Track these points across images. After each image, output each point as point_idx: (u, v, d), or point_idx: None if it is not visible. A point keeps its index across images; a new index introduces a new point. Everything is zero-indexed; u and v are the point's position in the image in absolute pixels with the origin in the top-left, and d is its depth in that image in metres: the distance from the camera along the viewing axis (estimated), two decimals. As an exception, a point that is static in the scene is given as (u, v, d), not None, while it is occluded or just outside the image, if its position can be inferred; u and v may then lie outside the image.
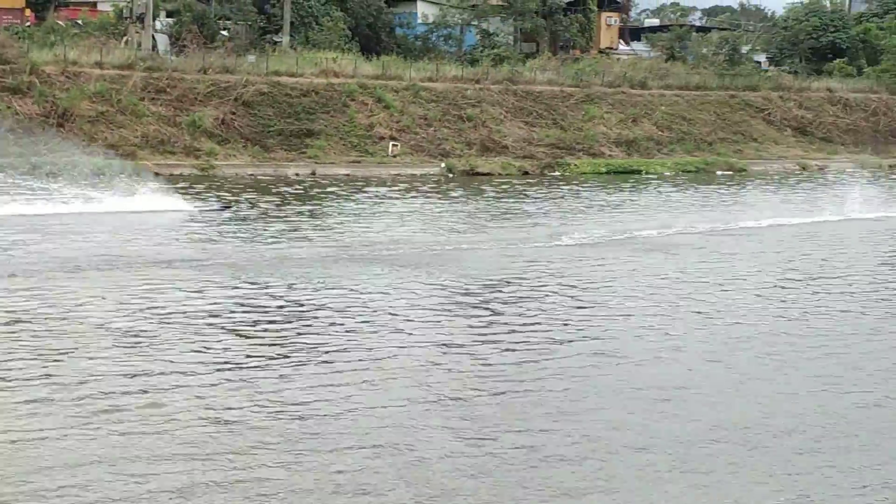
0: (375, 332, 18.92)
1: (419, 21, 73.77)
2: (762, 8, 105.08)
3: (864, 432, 14.61)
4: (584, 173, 53.78)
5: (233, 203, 36.96)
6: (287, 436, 13.32)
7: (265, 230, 30.92)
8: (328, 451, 12.88)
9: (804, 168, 61.35)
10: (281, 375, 15.90)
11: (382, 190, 43.26)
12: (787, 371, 17.54)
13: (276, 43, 62.27)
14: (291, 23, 63.69)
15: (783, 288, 24.81)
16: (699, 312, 21.62)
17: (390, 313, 20.37)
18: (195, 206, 34.53)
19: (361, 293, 22.02)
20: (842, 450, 13.91)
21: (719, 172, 57.62)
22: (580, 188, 47.42)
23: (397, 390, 15.44)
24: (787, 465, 13.26)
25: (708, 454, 13.48)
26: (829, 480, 12.88)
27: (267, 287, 22.24)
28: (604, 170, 54.95)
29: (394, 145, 51.94)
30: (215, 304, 20.59)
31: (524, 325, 20.05)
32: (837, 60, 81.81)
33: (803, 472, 13.10)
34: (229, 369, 16.10)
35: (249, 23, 63.17)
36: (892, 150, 68.41)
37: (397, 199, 40.53)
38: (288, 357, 17.01)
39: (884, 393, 16.53)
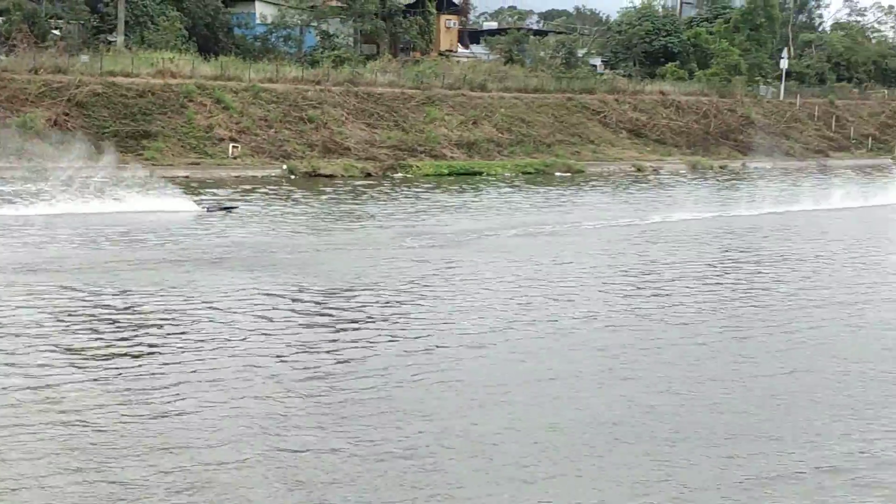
0: (202, 338, 18.65)
1: (258, 21, 72.96)
2: (597, 12, 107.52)
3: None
4: (427, 175, 53.97)
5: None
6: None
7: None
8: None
9: (639, 169, 62.80)
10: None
11: (223, 192, 42.60)
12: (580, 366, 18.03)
13: (110, 43, 60.73)
14: (126, 22, 62.24)
15: (604, 291, 25.34)
16: (519, 310, 21.96)
17: (220, 318, 20.11)
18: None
19: (192, 298, 21.68)
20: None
21: (558, 174, 58.51)
22: (421, 190, 47.55)
23: (214, 394, 15.43)
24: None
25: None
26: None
27: (100, 294, 21.68)
28: (446, 171, 55.24)
29: (234, 147, 51.20)
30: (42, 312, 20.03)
31: (356, 327, 20.08)
32: (670, 64, 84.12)
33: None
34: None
35: (82, 22, 61.49)
36: (721, 152, 70.68)
37: (239, 200, 39.95)
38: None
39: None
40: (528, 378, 17.06)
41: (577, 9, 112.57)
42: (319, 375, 16.61)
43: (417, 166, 55.03)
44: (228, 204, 37.83)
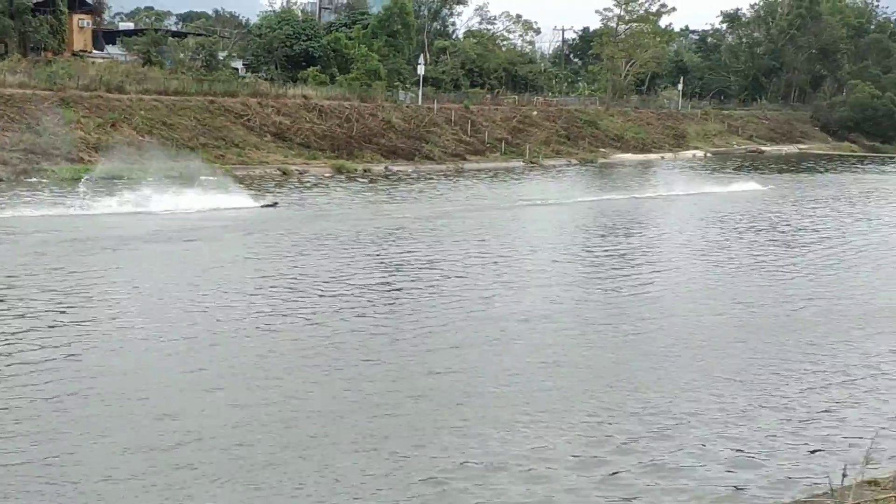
0: None
1: None
2: (237, 15, 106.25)
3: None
4: (64, 179, 51.34)
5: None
6: None
7: None
8: None
9: (285, 173, 62.56)
10: None
11: None
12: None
13: None
14: None
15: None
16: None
17: None
18: None
19: None
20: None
21: (202, 178, 57.30)
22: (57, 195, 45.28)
23: None
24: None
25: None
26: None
27: None
28: (83, 176, 52.72)
29: None
30: None
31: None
32: (311, 68, 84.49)
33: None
34: None
35: None
36: (365, 155, 71.61)
37: None
38: None
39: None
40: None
41: (217, 11, 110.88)
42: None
43: (54, 171, 52.23)
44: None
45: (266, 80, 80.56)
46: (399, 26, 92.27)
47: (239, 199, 45.32)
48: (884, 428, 15.66)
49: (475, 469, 13.93)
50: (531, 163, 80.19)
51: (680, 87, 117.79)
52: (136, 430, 14.66)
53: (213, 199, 44.01)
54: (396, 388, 17.35)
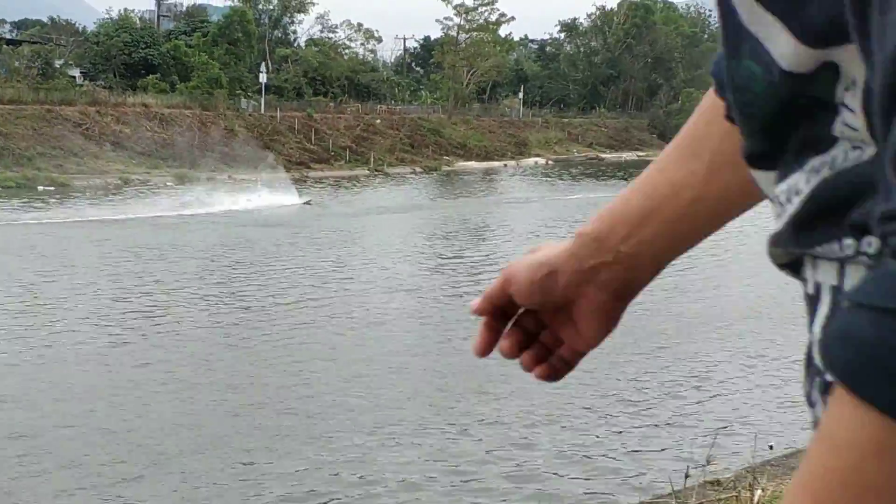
0: None
1: None
2: (73, 23, 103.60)
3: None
4: None
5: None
6: None
7: None
8: None
9: (126, 182, 61.43)
10: None
11: None
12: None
13: None
14: None
15: None
16: None
17: None
18: None
19: None
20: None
21: (41, 188, 55.90)
22: None
23: None
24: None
25: None
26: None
27: None
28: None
29: None
30: None
31: None
32: (150, 76, 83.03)
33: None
34: None
35: None
36: (208, 164, 70.68)
37: None
38: None
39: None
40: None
41: (52, 19, 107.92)
42: None
43: None
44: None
45: (105, 88, 78.82)
46: (240, 34, 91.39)
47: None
48: (724, 428, 16.27)
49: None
50: (376, 171, 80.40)
51: (521, 95, 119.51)
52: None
53: None
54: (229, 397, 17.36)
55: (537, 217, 50.92)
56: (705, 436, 15.43)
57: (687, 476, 6.41)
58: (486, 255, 36.52)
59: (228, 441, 14.99)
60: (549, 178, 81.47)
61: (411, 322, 24.21)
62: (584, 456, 15.26)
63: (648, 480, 14.00)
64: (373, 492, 13.46)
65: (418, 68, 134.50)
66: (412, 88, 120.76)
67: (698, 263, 34.93)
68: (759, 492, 6.15)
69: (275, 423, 15.84)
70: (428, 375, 19.27)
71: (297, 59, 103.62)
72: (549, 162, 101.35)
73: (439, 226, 46.29)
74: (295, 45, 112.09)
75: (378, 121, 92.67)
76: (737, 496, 6.18)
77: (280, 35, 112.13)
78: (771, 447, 12.30)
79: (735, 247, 36.82)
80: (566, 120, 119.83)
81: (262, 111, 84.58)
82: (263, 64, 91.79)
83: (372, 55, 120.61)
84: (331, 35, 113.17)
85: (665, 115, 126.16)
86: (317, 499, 13.16)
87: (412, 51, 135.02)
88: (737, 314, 26.59)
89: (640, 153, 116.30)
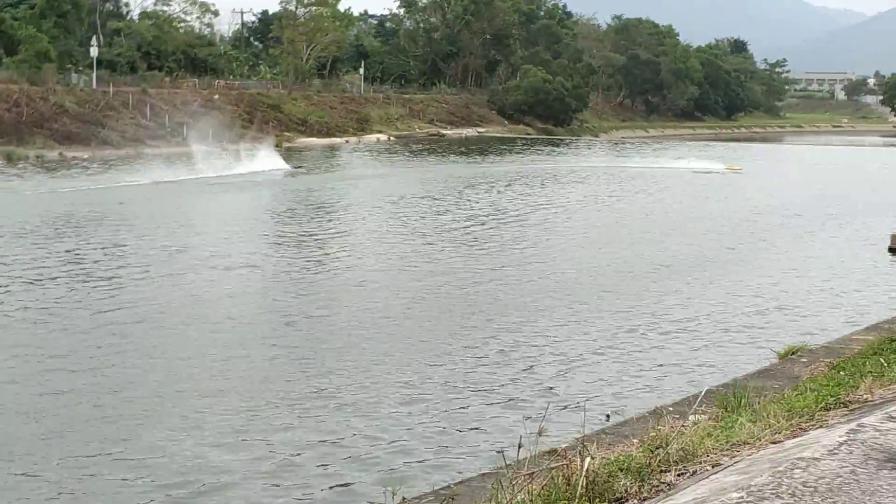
0: None
1: None
2: None
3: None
4: None
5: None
6: None
7: None
8: None
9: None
10: None
11: None
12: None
13: None
14: None
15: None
16: None
17: None
18: None
19: None
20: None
21: None
22: None
23: None
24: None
25: None
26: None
27: None
28: None
29: None
30: None
31: None
32: (-28, 50, 79.66)
33: None
34: None
35: None
36: (37, 141, 68.08)
37: None
38: None
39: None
40: None
41: None
42: None
43: None
44: None
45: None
46: (69, 6, 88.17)
47: None
48: (556, 398, 16.15)
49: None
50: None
51: (361, 71, 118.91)
52: None
53: None
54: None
55: (378, 193, 50.56)
56: (541, 410, 15.23)
57: (520, 447, 6.26)
58: (331, 233, 35.94)
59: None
60: (390, 155, 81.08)
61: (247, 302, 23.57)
62: (410, 433, 14.73)
63: (483, 454, 13.58)
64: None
65: (257, 43, 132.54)
66: (251, 63, 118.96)
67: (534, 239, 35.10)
68: (588, 459, 6.11)
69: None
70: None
71: (129, 32, 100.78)
72: (391, 138, 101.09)
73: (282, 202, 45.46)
74: (128, 18, 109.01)
75: (216, 96, 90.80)
76: (568, 464, 6.08)
77: (112, 7, 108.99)
78: (608, 416, 12.22)
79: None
80: (407, 96, 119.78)
81: (94, 86, 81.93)
82: (94, 37, 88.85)
83: (209, 29, 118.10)
84: (165, 8, 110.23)
85: (504, 91, 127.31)
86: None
87: (250, 25, 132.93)
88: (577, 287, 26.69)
89: (481, 129, 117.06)
